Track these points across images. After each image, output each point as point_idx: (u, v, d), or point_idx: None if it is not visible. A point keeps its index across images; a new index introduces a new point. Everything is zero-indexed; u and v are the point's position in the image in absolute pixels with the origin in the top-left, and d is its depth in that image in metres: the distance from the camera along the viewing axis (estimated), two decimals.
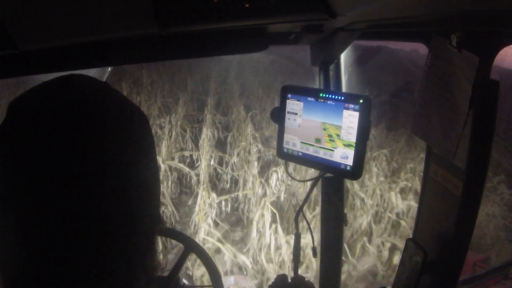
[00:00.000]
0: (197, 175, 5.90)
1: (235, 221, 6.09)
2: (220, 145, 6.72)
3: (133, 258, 0.51)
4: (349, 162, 0.97)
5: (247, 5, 0.74)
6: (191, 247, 1.41)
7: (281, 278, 1.04)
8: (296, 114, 1.04)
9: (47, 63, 0.88)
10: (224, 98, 7.88)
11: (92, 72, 1.30)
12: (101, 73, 1.35)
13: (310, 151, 1.04)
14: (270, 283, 1.06)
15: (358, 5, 0.72)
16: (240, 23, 0.80)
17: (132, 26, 0.78)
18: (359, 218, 5.26)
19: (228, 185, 6.19)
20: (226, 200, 5.50)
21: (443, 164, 1.06)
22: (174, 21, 0.77)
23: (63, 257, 0.47)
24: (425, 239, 1.13)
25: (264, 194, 5.58)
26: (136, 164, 0.52)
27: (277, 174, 5.48)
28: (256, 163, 6.04)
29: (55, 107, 0.48)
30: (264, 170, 6.02)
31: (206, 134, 6.27)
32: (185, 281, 1.63)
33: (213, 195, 5.41)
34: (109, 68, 1.38)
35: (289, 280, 1.06)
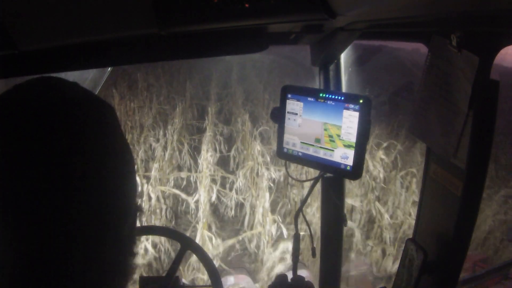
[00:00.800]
0: (196, 202, 5.41)
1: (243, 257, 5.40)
2: (223, 161, 6.14)
3: (107, 258, 0.52)
4: (349, 162, 0.97)
5: (247, 5, 0.74)
6: (187, 244, 1.41)
7: (281, 278, 1.03)
8: (296, 114, 1.04)
9: (47, 63, 0.88)
10: (226, 104, 7.25)
11: (92, 72, 1.30)
12: (101, 73, 1.35)
13: (310, 151, 1.04)
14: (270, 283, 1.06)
15: (358, 5, 0.72)
16: (240, 23, 0.80)
17: (132, 26, 0.78)
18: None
19: (233, 212, 5.61)
20: (232, 245, 4.98)
21: (443, 164, 1.06)
22: (174, 21, 0.77)
23: (41, 259, 0.47)
24: (425, 239, 1.13)
25: (280, 236, 5.10)
26: (111, 164, 0.53)
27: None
28: (267, 195, 5.42)
29: (29, 107, 0.49)
30: (279, 199, 5.45)
31: (206, 150, 5.73)
32: (184, 281, 1.63)
33: (218, 241, 4.88)
34: (109, 68, 1.38)
35: (289, 280, 1.06)
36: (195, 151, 6.29)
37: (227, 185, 5.64)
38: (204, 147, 5.87)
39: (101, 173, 0.51)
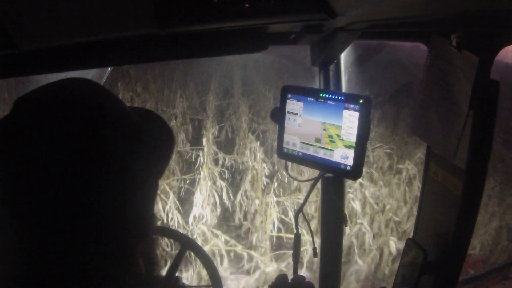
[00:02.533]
0: None
1: None
2: (226, 224, 4.95)
3: (127, 259, 0.52)
4: (349, 162, 0.97)
5: (247, 5, 0.74)
6: (187, 244, 1.41)
7: (281, 278, 1.03)
8: (296, 114, 1.04)
9: (47, 63, 0.88)
10: (228, 118, 6.13)
11: (92, 72, 1.30)
12: (101, 73, 1.35)
13: (310, 151, 1.04)
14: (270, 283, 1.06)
15: (358, 5, 0.72)
16: (240, 23, 0.80)
17: (132, 26, 0.78)
18: None
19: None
20: None
21: (443, 164, 1.06)
22: (174, 21, 0.77)
23: (58, 257, 0.47)
24: (425, 239, 1.13)
25: None
26: (133, 166, 0.53)
27: None
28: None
29: (56, 108, 0.50)
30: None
31: (201, 205, 4.34)
32: (184, 281, 1.63)
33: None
34: (109, 68, 1.38)
35: (289, 280, 1.06)
36: (185, 202, 4.81)
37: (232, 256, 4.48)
38: (197, 197, 4.48)
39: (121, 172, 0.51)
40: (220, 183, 4.75)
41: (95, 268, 0.49)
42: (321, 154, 1.02)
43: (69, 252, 0.47)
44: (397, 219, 5.04)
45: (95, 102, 0.53)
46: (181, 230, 4.07)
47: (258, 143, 5.06)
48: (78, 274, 0.48)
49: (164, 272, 1.37)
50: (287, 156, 1.09)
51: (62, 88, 0.54)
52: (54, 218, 0.47)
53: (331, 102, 0.98)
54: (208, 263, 1.43)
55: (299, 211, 1.16)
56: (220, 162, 5.12)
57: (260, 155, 4.81)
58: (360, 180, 4.48)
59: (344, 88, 1.35)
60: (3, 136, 0.49)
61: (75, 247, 0.47)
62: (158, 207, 4.39)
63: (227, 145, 5.84)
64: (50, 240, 0.47)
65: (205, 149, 4.95)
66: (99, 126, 0.50)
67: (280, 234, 4.64)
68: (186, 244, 1.40)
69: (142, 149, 0.55)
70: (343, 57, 1.32)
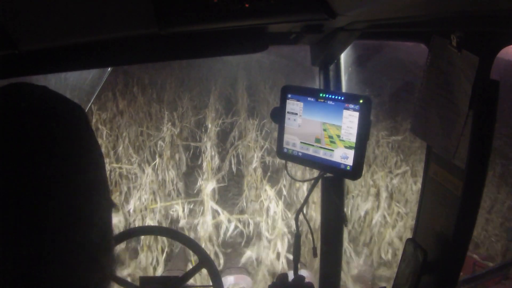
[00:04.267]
0: None
1: None
2: None
3: (84, 264, 0.52)
4: (349, 162, 0.97)
5: (247, 5, 0.74)
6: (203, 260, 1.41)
7: (282, 278, 1.03)
8: (296, 114, 1.04)
9: (47, 63, 0.88)
10: (231, 143, 5.32)
11: (92, 72, 1.30)
12: (101, 73, 1.35)
13: (310, 151, 1.04)
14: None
15: (358, 5, 0.72)
16: (240, 23, 0.80)
17: (132, 26, 0.78)
18: None
19: None
20: None
21: (443, 164, 1.06)
22: (174, 21, 0.77)
23: (14, 268, 0.47)
24: (425, 239, 1.13)
25: None
26: (83, 164, 0.54)
27: None
28: None
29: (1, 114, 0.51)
30: None
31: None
32: None
33: None
34: (109, 68, 1.38)
35: (289, 280, 1.06)
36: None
37: None
38: None
39: (70, 172, 0.52)
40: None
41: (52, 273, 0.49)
42: (321, 154, 1.02)
43: (29, 254, 0.47)
44: None
45: (40, 104, 0.54)
46: None
47: (267, 186, 3.99)
48: (42, 277, 0.48)
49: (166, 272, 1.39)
50: (287, 156, 1.09)
51: (4, 95, 0.55)
52: (7, 221, 0.47)
53: (331, 102, 0.98)
54: (209, 264, 1.43)
55: (299, 211, 1.16)
56: (224, 227, 3.98)
57: (280, 209, 3.48)
58: None
59: (344, 88, 1.36)
60: None
61: (33, 250, 0.47)
62: None
63: (231, 187, 5.09)
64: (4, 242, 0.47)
65: (204, 202, 3.93)
66: (46, 127, 0.51)
67: None
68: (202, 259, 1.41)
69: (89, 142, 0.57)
70: (343, 57, 1.32)
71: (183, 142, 5.38)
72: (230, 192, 5.56)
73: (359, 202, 4.82)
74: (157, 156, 4.79)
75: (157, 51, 0.95)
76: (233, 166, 5.22)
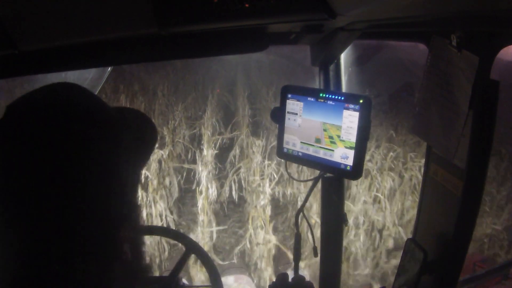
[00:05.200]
0: None
1: None
2: None
3: (111, 241, 0.56)
4: (349, 162, 0.97)
5: (247, 5, 0.74)
6: (191, 248, 1.41)
7: (282, 278, 1.03)
8: (296, 114, 1.04)
9: (47, 63, 0.88)
10: (231, 164, 4.62)
11: (92, 72, 1.30)
12: (101, 73, 1.35)
13: (310, 151, 1.04)
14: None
15: (358, 5, 0.72)
16: (240, 23, 0.80)
17: (132, 26, 0.78)
18: None
19: None
20: None
21: (443, 164, 1.06)
22: (174, 21, 0.77)
23: (47, 259, 0.49)
24: (425, 239, 1.13)
25: None
26: (114, 159, 0.57)
27: None
28: None
29: (43, 112, 0.54)
30: None
31: None
32: (185, 281, 1.63)
33: None
34: (109, 68, 1.38)
35: (290, 280, 1.06)
36: None
37: None
38: None
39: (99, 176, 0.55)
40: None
41: (80, 250, 0.52)
42: (321, 154, 1.02)
43: (56, 236, 0.50)
44: None
45: (80, 104, 0.58)
46: None
47: (273, 232, 3.66)
48: (63, 256, 0.51)
49: (167, 273, 1.39)
50: (287, 156, 1.09)
51: (49, 93, 0.58)
52: (42, 210, 0.50)
53: (331, 102, 0.98)
54: (209, 264, 1.43)
55: (299, 211, 1.16)
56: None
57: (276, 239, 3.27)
58: None
59: (344, 88, 1.35)
60: None
61: (60, 231, 0.51)
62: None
63: (230, 211, 4.51)
64: (39, 228, 0.50)
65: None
66: (84, 126, 0.54)
67: None
68: (190, 247, 1.41)
69: (122, 145, 0.59)
70: (343, 57, 1.32)
71: (175, 164, 4.75)
72: (230, 218, 5.14)
73: None
74: (139, 190, 4.21)
75: (157, 51, 0.95)
76: (233, 192, 4.64)
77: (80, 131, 0.54)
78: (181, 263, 1.41)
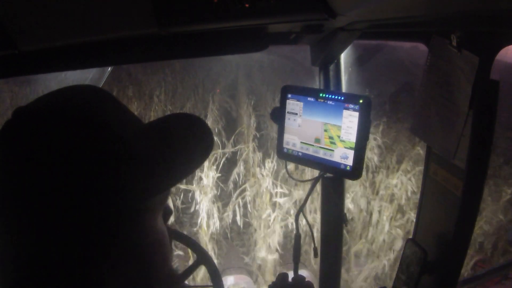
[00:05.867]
0: None
1: None
2: None
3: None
4: (349, 162, 0.97)
5: (247, 5, 0.74)
6: (202, 258, 1.40)
7: (282, 277, 1.03)
8: (296, 114, 1.04)
9: (47, 63, 0.88)
10: (233, 173, 4.15)
11: (92, 72, 1.30)
12: (101, 73, 1.35)
13: (310, 151, 1.04)
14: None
15: (358, 5, 0.72)
16: (240, 23, 0.80)
17: (132, 26, 0.78)
18: None
19: None
20: None
21: (443, 164, 1.06)
22: (174, 21, 0.77)
23: (56, 262, 0.47)
24: (425, 239, 1.13)
25: None
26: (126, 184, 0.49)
27: None
28: None
29: (55, 119, 0.48)
30: None
31: None
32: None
33: None
34: (109, 68, 1.38)
35: (290, 280, 1.06)
36: None
37: None
38: None
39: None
40: None
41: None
42: (321, 154, 1.02)
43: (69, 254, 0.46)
44: None
45: (99, 114, 0.50)
46: None
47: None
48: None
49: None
50: (287, 156, 1.09)
51: (65, 98, 0.52)
52: (49, 225, 0.46)
53: (331, 102, 0.98)
54: (210, 264, 1.43)
55: (299, 211, 1.16)
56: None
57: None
58: None
59: (344, 88, 1.35)
60: (1, 146, 0.48)
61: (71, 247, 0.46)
62: None
63: (234, 234, 4.12)
64: (46, 241, 0.46)
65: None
66: (103, 142, 0.47)
67: None
68: (200, 257, 1.39)
69: (143, 169, 0.49)
70: (343, 57, 1.32)
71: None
72: (234, 241, 4.74)
73: None
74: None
75: (157, 51, 0.95)
76: (238, 218, 4.13)
77: (97, 146, 0.46)
78: (189, 272, 1.40)
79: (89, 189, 0.46)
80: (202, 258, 1.43)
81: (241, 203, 4.06)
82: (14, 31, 0.73)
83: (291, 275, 1.07)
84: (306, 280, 1.05)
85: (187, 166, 0.54)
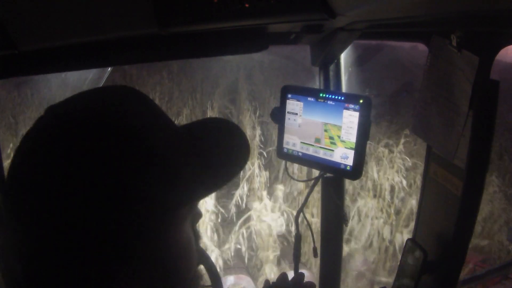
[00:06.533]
0: None
1: None
2: None
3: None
4: (349, 162, 0.97)
5: (247, 5, 0.74)
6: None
7: (282, 277, 1.03)
8: (296, 114, 1.04)
9: (47, 63, 0.88)
10: (235, 197, 3.64)
11: (92, 72, 1.30)
12: (101, 73, 1.35)
13: (310, 151, 1.04)
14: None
15: (358, 5, 0.72)
16: (240, 23, 0.80)
17: (132, 26, 0.78)
18: None
19: None
20: None
21: (443, 164, 1.06)
22: (174, 21, 0.77)
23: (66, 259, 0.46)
24: (425, 239, 1.13)
25: None
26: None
27: None
28: None
29: (88, 119, 0.47)
30: None
31: None
32: None
33: None
34: (109, 68, 1.38)
35: (289, 279, 1.06)
36: None
37: None
38: None
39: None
40: None
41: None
42: (321, 154, 1.02)
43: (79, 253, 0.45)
44: None
45: (133, 118, 0.48)
46: None
47: None
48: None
49: None
50: (287, 156, 1.09)
51: (100, 100, 0.50)
52: (72, 227, 0.44)
53: (331, 102, 0.98)
54: (208, 264, 1.43)
55: (299, 211, 1.16)
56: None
57: None
58: None
59: (344, 88, 1.35)
60: (32, 146, 0.47)
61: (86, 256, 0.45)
62: None
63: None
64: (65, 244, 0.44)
65: None
66: (135, 149, 0.46)
67: None
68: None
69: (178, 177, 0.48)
70: (343, 57, 1.32)
71: None
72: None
73: None
74: None
75: (157, 51, 0.95)
76: (243, 249, 3.63)
77: (132, 155, 0.45)
78: None
79: (115, 195, 0.44)
80: (201, 257, 1.43)
81: (245, 234, 3.49)
82: (14, 31, 0.73)
83: (291, 275, 1.07)
84: (306, 280, 1.05)
85: (221, 178, 0.53)
